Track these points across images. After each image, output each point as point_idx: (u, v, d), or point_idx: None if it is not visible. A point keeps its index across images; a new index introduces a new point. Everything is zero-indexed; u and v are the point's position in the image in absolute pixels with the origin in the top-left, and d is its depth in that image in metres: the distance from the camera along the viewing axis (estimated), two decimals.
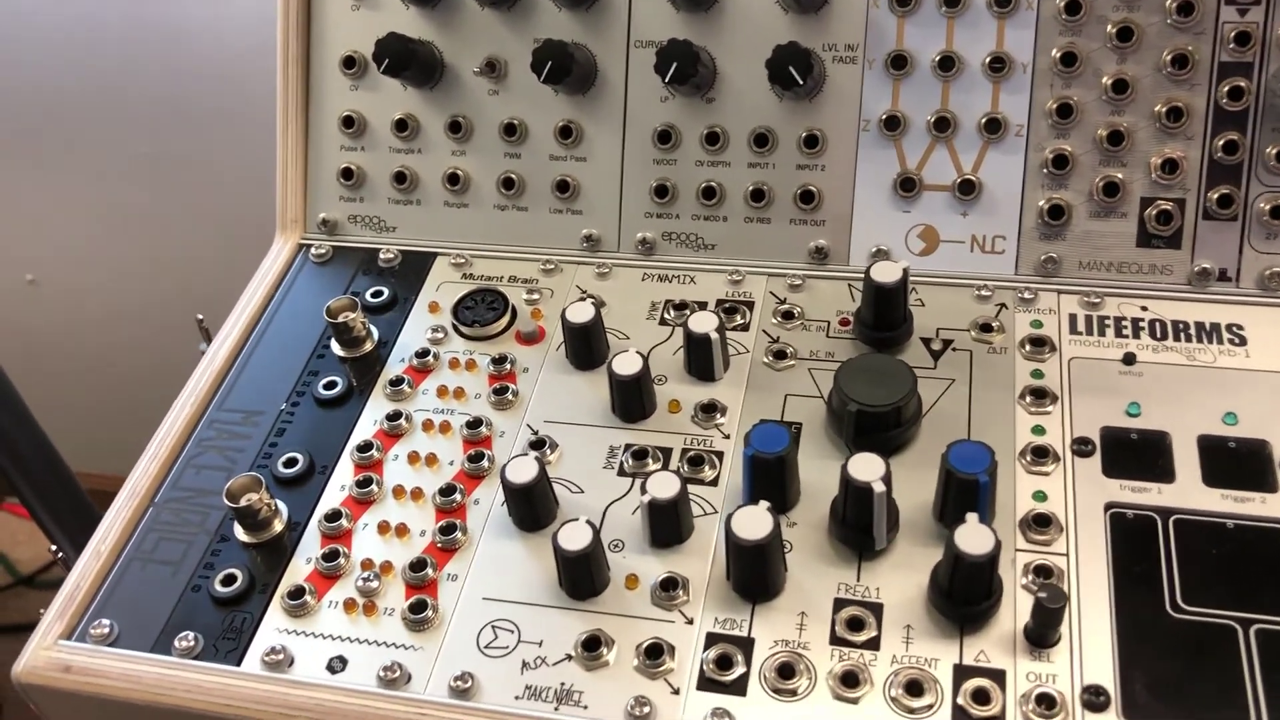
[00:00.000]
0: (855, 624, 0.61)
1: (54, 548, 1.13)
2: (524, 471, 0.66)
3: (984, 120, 0.78)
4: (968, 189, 0.79)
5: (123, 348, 1.81)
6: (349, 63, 0.87)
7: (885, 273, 0.72)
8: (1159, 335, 0.74)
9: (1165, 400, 0.70)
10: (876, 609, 0.62)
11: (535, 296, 0.82)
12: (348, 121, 0.88)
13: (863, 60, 0.79)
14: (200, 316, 0.97)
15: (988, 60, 0.77)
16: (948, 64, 0.78)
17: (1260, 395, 0.70)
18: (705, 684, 0.60)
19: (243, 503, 0.69)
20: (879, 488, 0.61)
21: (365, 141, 0.88)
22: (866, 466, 0.62)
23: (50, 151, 1.61)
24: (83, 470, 1.49)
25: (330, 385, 0.78)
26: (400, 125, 0.87)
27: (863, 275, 0.74)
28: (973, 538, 0.58)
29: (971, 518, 0.59)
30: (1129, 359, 0.73)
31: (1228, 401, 0.70)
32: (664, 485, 0.65)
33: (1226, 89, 0.74)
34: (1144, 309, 0.76)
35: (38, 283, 1.81)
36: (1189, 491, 0.65)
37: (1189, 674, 0.58)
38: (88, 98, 1.52)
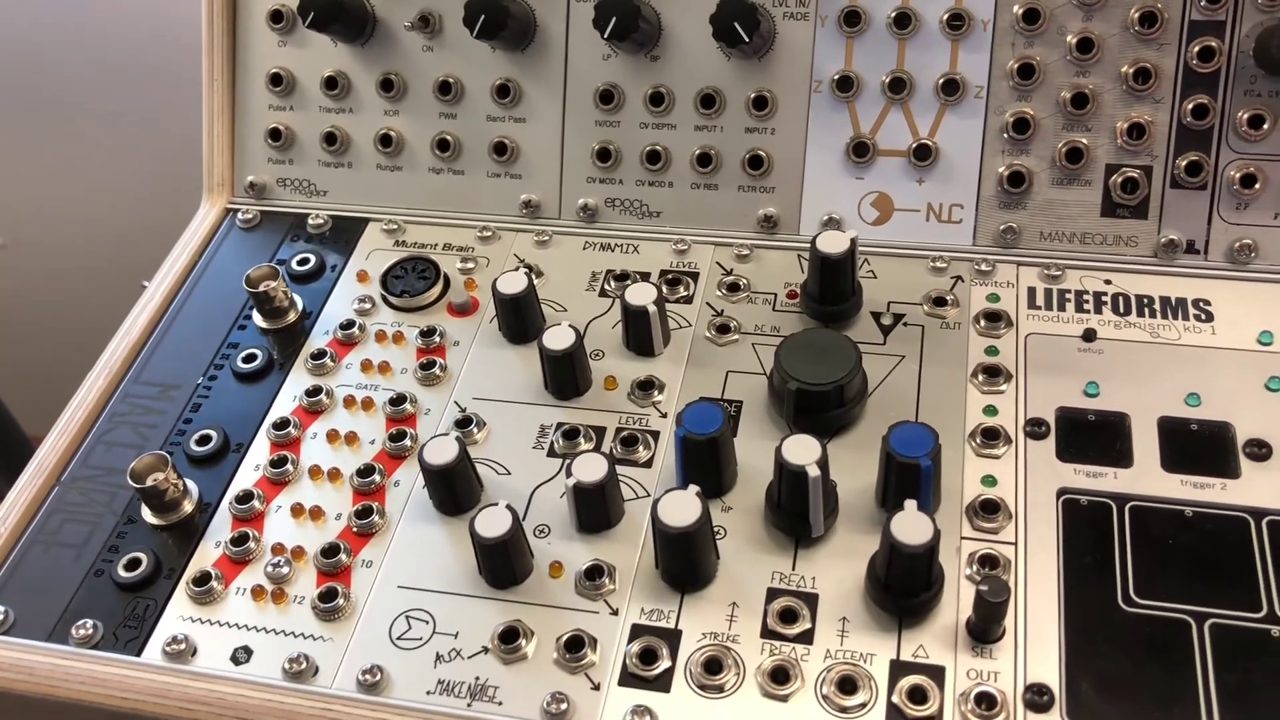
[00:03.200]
0: (788, 616, 0.58)
1: None
2: (443, 452, 0.62)
3: (941, 81, 0.74)
4: (924, 154, 0.74)
5: (83, 311, 1.77)
6: (276, 17, 0.82)
7: (832, 243, 0.68)
8: (1122, 310, 0.70)
9: (1126, 379, 0.67)
10: (811, 600, 0.59)
11: (470, 265, 0.78)
12: (275, 79, 0.83)
13: (814, 16, 0.75)
14: (146, 283, 0.92)
15: (946, 17, 0.73)
16: (904, 21, 0.73)
17: (1225, 375, 0.66)
18: (627, 679, 0.57)
19: (148, 483, 0.65)
20: (814, 472, 0.57)
21: (294, 101, 0.83)
22: (802, 449, 0.58)
23: (11, 112, 1.57)
24: (39, 435, 1.46)
25: (250, 358, 0.74)
26: (330, 83, 0.82)
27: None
28: (910, 526, 0.55)
29: (910, 505, 0.56)
30: (1089, 335, 0.69)
31: (1191, 381, 0.66)
32: (591, 468, 0.61)
33: (1197, 49, 0.70)
34: (1107, 282, 0.72)
35: (5, 247, 1.77)
36: (1147, 477, 0.62)
37: (1139, 672, 0.55)
38: (51, 59, 1.48)
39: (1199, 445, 0.63)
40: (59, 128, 1.57)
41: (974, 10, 0.73)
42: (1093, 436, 0.64)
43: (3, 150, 1.62)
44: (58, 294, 1.77)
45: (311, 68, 0.82)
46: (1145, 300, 0.71)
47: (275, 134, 0.84)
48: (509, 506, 0.60)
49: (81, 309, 1.74)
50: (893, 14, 0.73)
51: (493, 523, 0.59)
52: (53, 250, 1.72)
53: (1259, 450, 0.62)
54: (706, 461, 0.62)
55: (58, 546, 0.66)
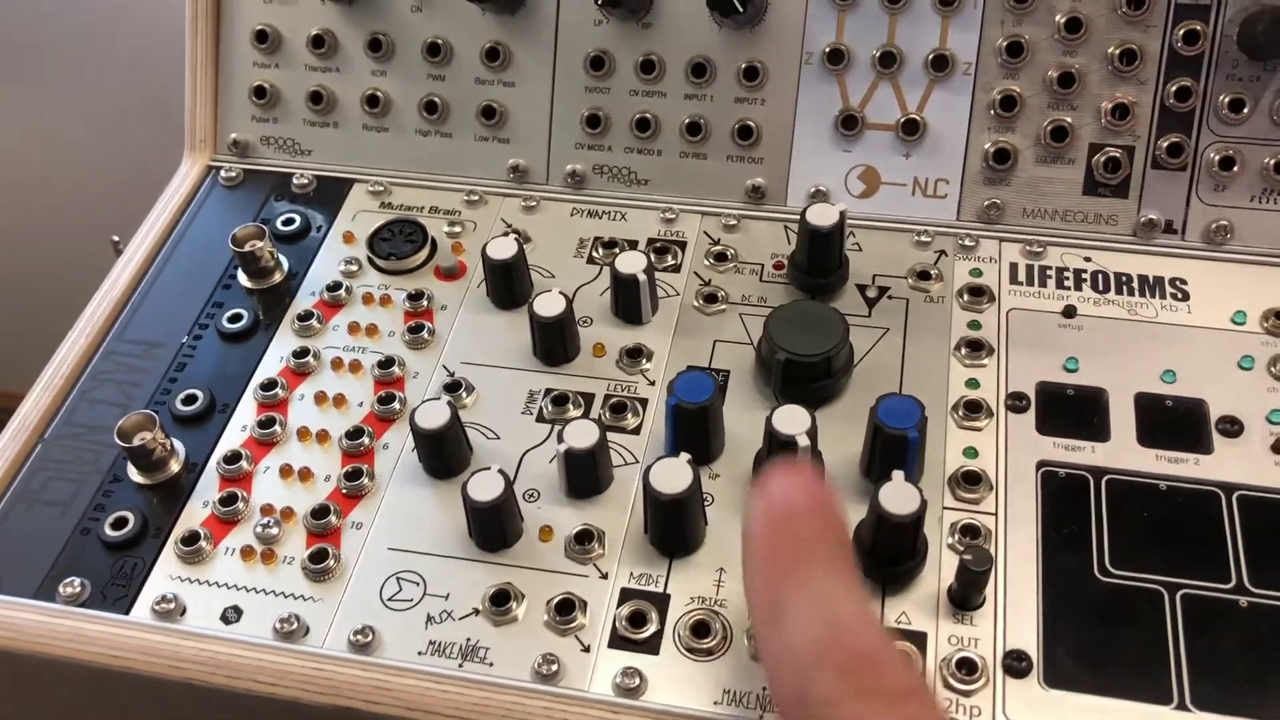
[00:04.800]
0: None
1: None
2: (435, 416, 0.63)
3: (931, 57, 0.74)
4: (911, 129, 0.75)
5: (45, 264, 1.74)
6: None
7: (821, 216, 0.69)
8: (1101, 287, 0.72)
9: (1104, 355, 0.68)
10: None
11: (457, 229, 0.78)
12: (261, 36, 0.82)
13: None
14: (116, 238, 0.91)
15: None
16: None
17: (1200, 352, 0.68)
18: (617, 642, 0.58)
19: (135, 442, 0.65)
20: (803, 442, 0.59)
21: (279, 58, 0.82)
22: (792, 419, 0.59)
23: None
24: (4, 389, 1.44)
25: (235, 318, 0.74)
26: (317, 41, 0.81)
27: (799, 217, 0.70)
28: (897, 496, 0.56)
29: (897, 476, 0.57)
30: (1069, 311, 0.70)
31: (1167, 358, 0.68)
32: (582, 434, 0.62)
33: (1182, 32, 0.71)
34: (1087, 260, 0.73)
35: None
36: (1123, 451, 0.64)
37: (1113, 639, 0.57)
38: (11, 5, 1.44)
39: (1173, 421, 0.65)
40: (21, 79, 1.54)
41: None
42: (1071, 411, 0.66)
43: None
44: (20, 249, 1.75)
45: (298, 25, 0.81)
46: (1124, 278, 0.72)
47: (260, 92, 0.83)
48: (501, 470, 0.60)
49: (46, 265, 1.71)
50: None
51: (485, 486, 0.60)
52: (14, 205, 1.69)
53: (1230, 427, 0.64)
54: (697, 430, 0.63)
55: (42, 504, 0.66)
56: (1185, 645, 0.56)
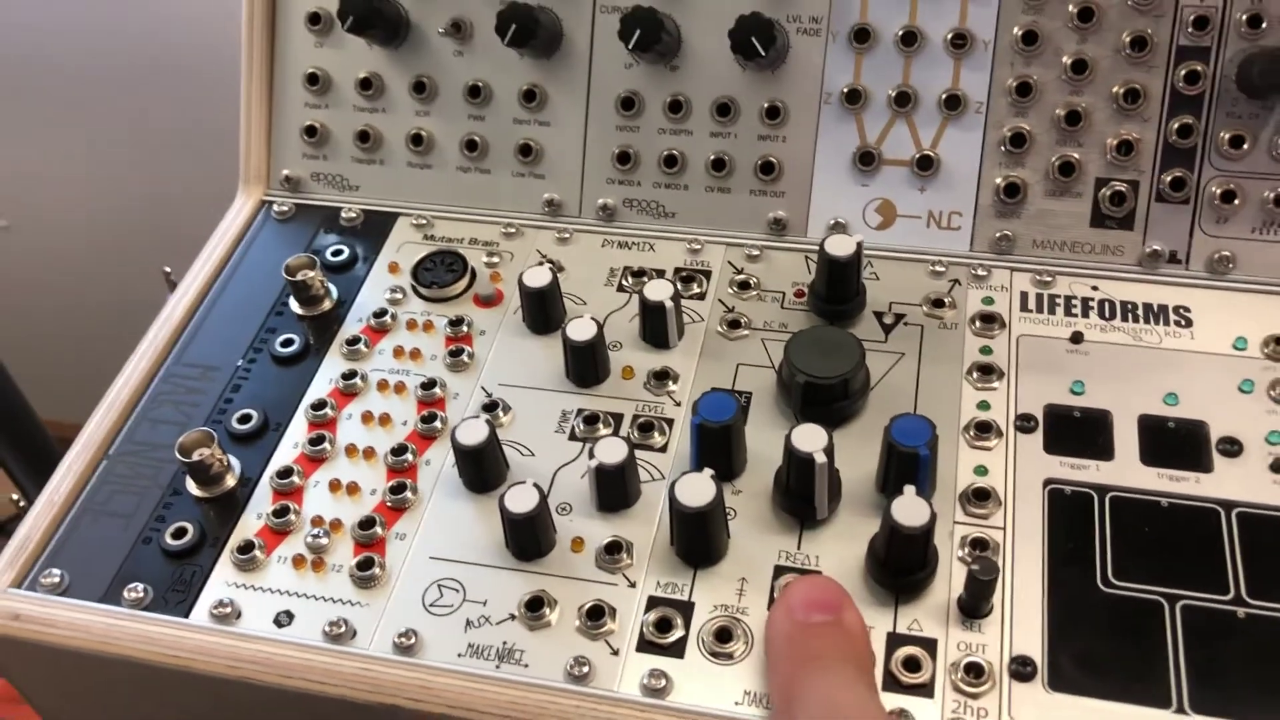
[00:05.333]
0: None
1: (15, 496, 1.13)
2: (474, 433, 0.67)
3: (944, 96, 0.78)
4: (926, 165, 0.79)
5: (94, 295, 1.80)
6: (314, 19, 0.86)
7: (839, 246, 0.73)
8: (1107, 315, 0.75)
9: (1109, 379, 0.71)
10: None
11: (495, 259, 0.83)
12: (312, 79, 0.87)
13: (826, 33, 0.79)
14: (168, 269, 0.96)
15: (950, 36, 0.78)
16: (910, 39, 0.78)
17: (1202, 376, 0.71)
18: (644, 646, 0.61)
19: (195, 457, 0.69)
20: (821, 459, 0.62)
21: (329, 99, 0.88)
22: (810, 437, 0.63)
23: (28, 98, 1.60)
24: (51, 418, 1.50)
25: (287, 343, 0.78)
26: (365, 84, 0.86)
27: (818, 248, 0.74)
28: (909, 510, 0.59)
29: (909, 490, 0.60)
30: (1076, 338, 0.74)
31: (1170, 382, 0.71)
32: (612, 451, 0.65)
33: (1183, 73, 0.75)
34: (1094, 289, 0.77)
35: (11, 229, 1.80)
36: (1127, 469, 0.67)
37: (1115, 647, 0.59)
38: (66, 44, 1.51)
39: (1175, 441, 0.68)
40: (71, 115, 1.60)
41: (976, 31, 0.77)
42: (1077, 431, 0.69)
43: (15, 136, 1.65)
44: (69, 280, 1.81)
45: (347, 68, 0.87)
46: (1129, 306, 0.76)
47: (310, 130, 0.88)
48: (536, 484, 0.64)
49: (101, 300, 1.77)
50: (900, 32, 0.78)
51: (521, 499, 0.64)
52: (64, 237, 1.75)
53: (1231, 447, 0.67)
54: (720, 447, 0.66)
55: (107, 516, 0.71)
56: (1184, 653, 0.59)
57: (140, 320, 0.89)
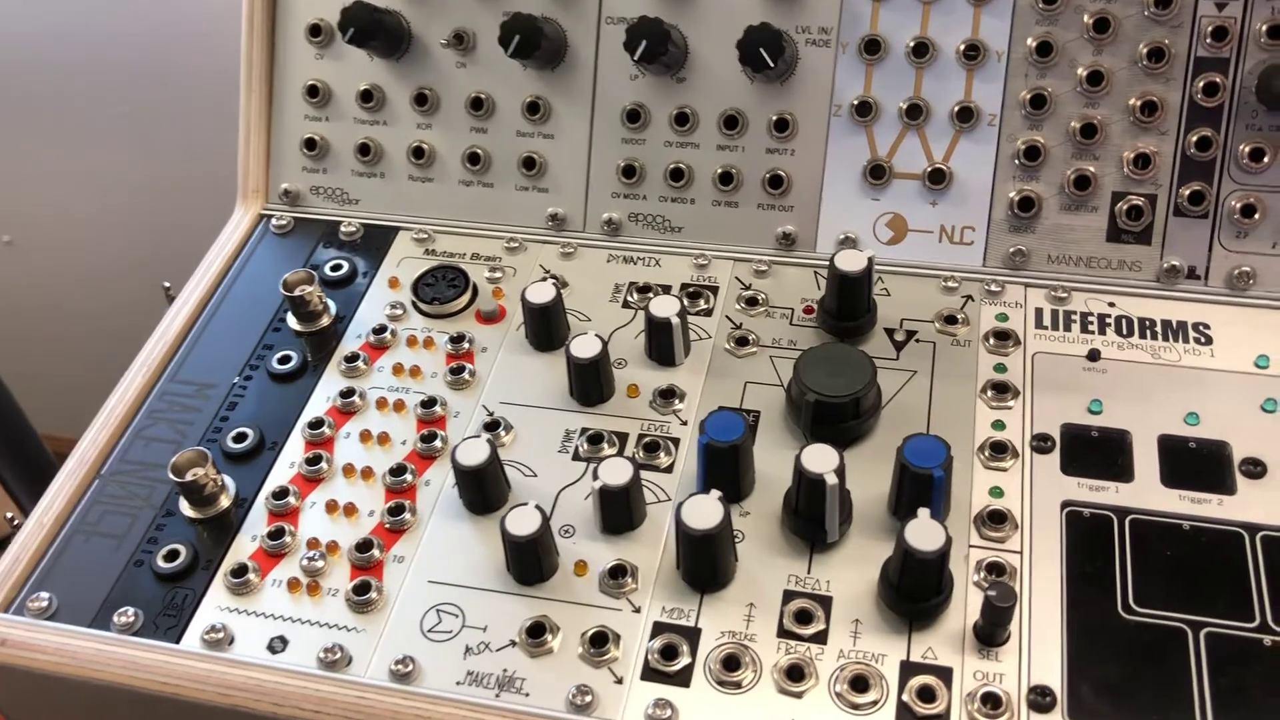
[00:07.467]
0: (803, 617, 0.61)
1: (10, 514, 1.11)
2: (475, 454, 0.65)
3: (956, 109, 0.77)
4: (938, 178, 0.77)
5: (96, 310, 1.79)
6: (315, 31, 0.85)
7: (850, 262, 0.71)
8: (1125, 332, 0.73)
9: (1128, 398, 0.69)
10: (826, 602, 0.61)
11: (498, 275, 0.81)
12: (312, 91, 0.86)
13: (836, 44, 0.78)
14: (167, 284, 0.95)
15: (962, 48, 0.76)
16: (922, 50, 0.77)
17: (1223, 396, 0.69)
18: (649, 674, 0.59)
19: (188, 477, 0.68)
20: (832, 480, 0.60)
21: (329, 112, 0.86)
22: (820, 458, 0.61)
23: (29, 112, 1.59)
24: (49, 433, 1.48)
25: (284, 360, 0.77)
26: (365, 96, 0.85)
27: (828, 263, 0.73)
28: (923, 534, 0.57)
29: (923, 513, 0.58)
30: (1093, 355, 0.72)
31: (1190, 401, 0.69)
32: (616, 471, 0.64)
33: (1202, 84, 0.73)
34: (1111, 305, 0.75)
35: (14, 244, 1.79)
36: (1147, 491, 0.65)
37: (1137, 676, 0.57)
38: (67, 60, 1.50)
39: (1197, 462, 0.66)
40: (71, 129, 1.59)
41: (989, 42, 0.76)
42: (1095, 452, 0.67)
43: (16, 151, 1.65)
44: (71, 295, 1.80)
45: (348, 80, 0.85)
46: (1147, 323, 0.74)
47: (310, 143, 0.86)
48: (538, 506, 0.62)
49: (98, 313, 1.76)
50: (911, 43, 0.77)
51: (523, 522, 0.62)
52: (65, 251, 1.75)
53: (1254, 468, 0.65)
54: (727, 468, 0.64)
55: (98, 537, 0.69)
56: (1209, 682, 0.57)
57: (140, 335, 0.87)
